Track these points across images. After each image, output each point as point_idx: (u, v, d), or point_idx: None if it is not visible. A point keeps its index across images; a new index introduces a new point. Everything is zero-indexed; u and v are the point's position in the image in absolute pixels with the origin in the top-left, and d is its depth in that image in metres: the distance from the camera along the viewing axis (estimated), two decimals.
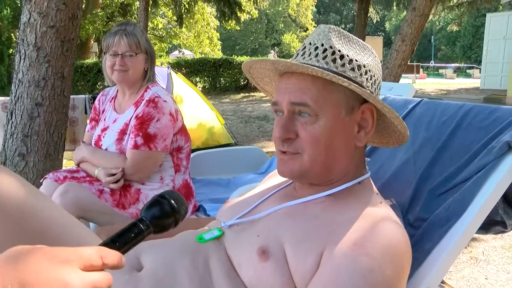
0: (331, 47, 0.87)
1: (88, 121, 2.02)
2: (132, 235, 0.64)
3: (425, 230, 1.07)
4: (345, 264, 0.74)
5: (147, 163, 1.73)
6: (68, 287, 0.45)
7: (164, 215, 0.70)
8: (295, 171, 0.89)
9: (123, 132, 1.76)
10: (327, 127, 0.85)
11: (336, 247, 0.76)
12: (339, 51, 0.87)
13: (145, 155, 1.71)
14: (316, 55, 0.87)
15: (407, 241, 0.81)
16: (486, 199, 0.99)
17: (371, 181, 0.98)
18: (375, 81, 0.91)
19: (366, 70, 0.89)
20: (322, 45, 0.88)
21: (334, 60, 0.86)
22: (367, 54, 0.92)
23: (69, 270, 0.47)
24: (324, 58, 0.87)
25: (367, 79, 0.89)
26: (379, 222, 0.80)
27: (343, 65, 0.86)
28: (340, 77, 0.83)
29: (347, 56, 0.87)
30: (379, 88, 0.95)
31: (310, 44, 0.90)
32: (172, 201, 0.72)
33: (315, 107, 0.84)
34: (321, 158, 0.87)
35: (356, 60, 0.88)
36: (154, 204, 0.71)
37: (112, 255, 0.54)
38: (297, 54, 0.92)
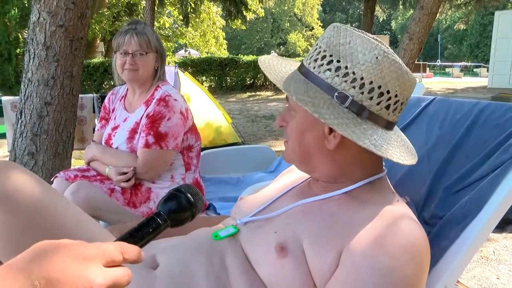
0: (324, 50, 0.89)
1: (97, 120, 2.02)
2: (150, 229, 0.64)
3: (441, 228, 1.06)
4: (365, 263, 0.74)
5: (158, 162, 1.73)
6: (92, 284, 0.47)
7: (181, 209, 0.71)
8: (286, 157, 0.98)
9: (133, 131, 1.76)
10: (299, 123, 0.92)
11: (356, 246, 0.76)
12: (331, 55, 0.88)
13: (156, 154, 1.71)
14: (311, 57, 0.92)
15: (426, 239, 0.80)
16: (504, 197, 0.98)
17: (388, 179, 0.97)
18: (362, 84, 0.84)
19: (354, 78, 0.84)
20: (320, 47, 0.90)
21: (321, 65, 0.88)
22: (368, 55, 0.85)
23: (92, 267, 0.48)
24: (315, 60, 0.90)
25: (353, 87, 0.84)
26: (398, 220, 0.80)
27: (329, 70, 0.86)
28: (301, 97, 0.84)
29: (337, 62, 0.86)
30: (374, 91, 0.86)
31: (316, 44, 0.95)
32: (189, 195, 0.72)
33: (291, 103, 0.93)
34: (297, 151, 0.93)
35: (346, 67, 0.85)
36: (171, 198, 0.72)
37: (132, 250, 0.55)
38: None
